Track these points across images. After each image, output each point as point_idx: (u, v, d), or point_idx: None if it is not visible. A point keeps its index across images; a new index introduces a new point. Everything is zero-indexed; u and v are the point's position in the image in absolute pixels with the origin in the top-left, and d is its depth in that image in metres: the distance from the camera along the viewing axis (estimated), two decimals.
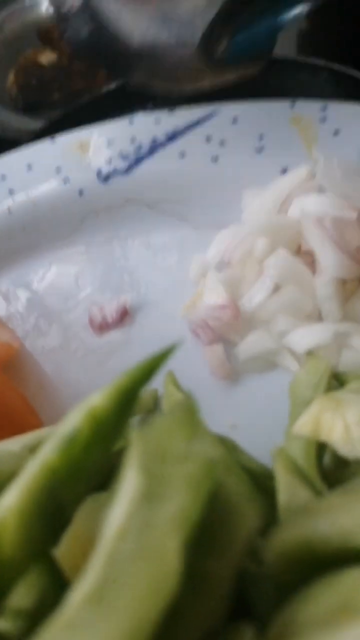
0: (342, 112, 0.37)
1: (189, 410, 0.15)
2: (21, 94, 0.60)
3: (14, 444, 0.20)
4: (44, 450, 0.15)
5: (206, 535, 0.13)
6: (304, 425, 0.18)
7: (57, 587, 0.14)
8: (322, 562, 0.12)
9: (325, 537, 0.13)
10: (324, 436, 0.17)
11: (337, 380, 0.23)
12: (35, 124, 0.56)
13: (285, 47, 0.54)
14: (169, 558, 0.11)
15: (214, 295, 0.28)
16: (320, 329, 0.26)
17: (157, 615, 0.11)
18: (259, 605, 0.13)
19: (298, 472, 0.16)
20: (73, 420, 0.15)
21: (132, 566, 0.11)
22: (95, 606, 0.11)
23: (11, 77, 0.60)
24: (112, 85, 0.51)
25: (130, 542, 0.12)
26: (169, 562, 0.11)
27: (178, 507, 0.12)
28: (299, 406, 0.21)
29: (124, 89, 0.50)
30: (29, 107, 0.60)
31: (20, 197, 0.38)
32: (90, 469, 0.15)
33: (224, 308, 0.27)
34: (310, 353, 0.25)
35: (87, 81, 0.60)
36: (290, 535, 0.13)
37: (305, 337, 0.26)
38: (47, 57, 0.59)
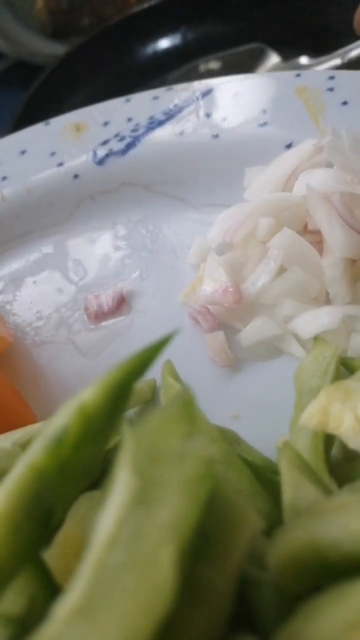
0: (351, 80, 0.34)
1: (186, 404, 0.14)
2: (51, 18, 0.57)
3: (5, 440, 0.20)
4: (31, 451, 0.14)
5: (204, 539, 0.12)
6: (311, 416, 0.17)
7: (47, 592, 0.14)
8: (332, 569, 0.11)
9: (334, 541, 0.12)
10: (333, 428, 0.16)
11: (345, 367, 0.22)
12: (62, 48, 0.54)
13: None
14: (163, 568, 0.11)
15: (214, 280, 0.26)
16: (328, 312, 0.25)
17: (150, 630, 0.10)
18: (262, 615, 0.12)
19: (304, 467, 0.15)
20: (62, 418, 0.14)
21: (122, 577, 0.10)
22: (83, 620, 0.10)
23: (41, 1, 0.57)
24: (138, 7, 0.49)
25: (121, 552, 0.11)
26: (163, 573, 0.10)
27: (173, 511, 0.11)
28: (305, 395, 0.20)
29: (153, 10, 0.48)
30: (58, 33, 0.58)
31: (14, 184, 0.37)
32: (81, 468, 0.14)
33: (225, 293, 0.26)
34: (317, 338, 0.23)
35: (118, 6, 0.57)
36: (296, 538, 0.12)
37: (311, 321, 0.25)
38: None
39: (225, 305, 0.26)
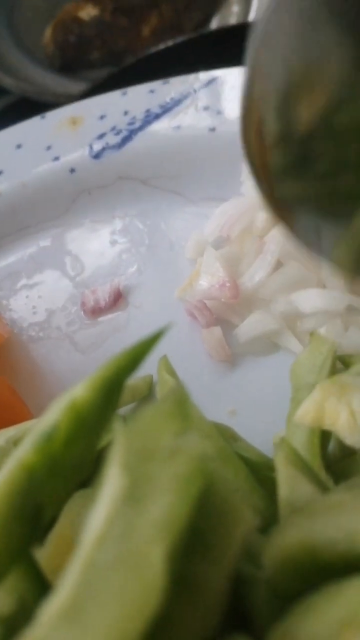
0: None
1: (179, 401, 0.14)
2: (58, 52, 0.53)
3: None
4: (20, 448, 0.13)
5: (197, 537, 0.12)
6: (307, 412, 0.17)
7: (38, 591, 0.13)
8: (327, 569, 0.11)
9: (330, 541, 0.11)
10: (328, 424, 0.16)
11: (342, 362, 0.21)
12: (75, 86, 0.51)
13: None
14: (153, 567, 0.10)
15: (211, 274, 0.26)
16: (334, 295, 0.24)
17: (140, 632, 0.10)
18: (256, 614, 0.12)
19: (301, 464, 0.15)
20: (52, 414, 0.14)
21: (111, 577, 0.10)
22: (70, 623, 0.10)
23: (48, 34, 0.54)
24: (157, 47, 0.47)
25: (111, 550, 0.11)
26: (153, 572, 0.10)
27: (164, 509, 0.11)
28: (301, 391, 0.19)
29: (169, 51, 0.46)
30: (66, 67, 0.55)
31: (10, 178, 0.37)
32: (72, 466, 0.14)
33: (222, 287, 0.25)
34: (313, 333, 0.23)
35: (129, 39, 0.54)
36: (291, 537, 0.12)
37: (315, 297, 0.24)
38: (87, 12, 0.53)
39: (223, 300, 0.26)
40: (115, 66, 0.51)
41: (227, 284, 0.26)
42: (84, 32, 0.55)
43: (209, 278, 0.26)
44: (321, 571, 0.11)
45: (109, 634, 0.09)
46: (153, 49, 0.48)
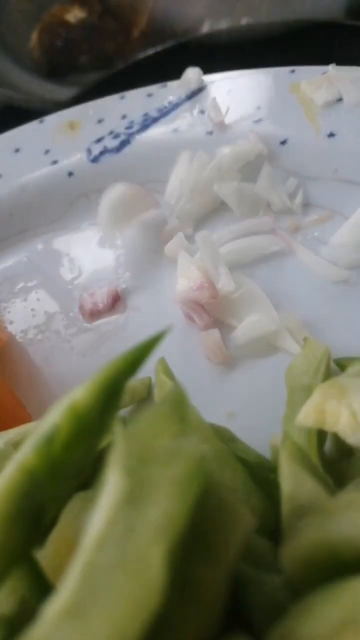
0: (346, 76, 0.34)
1: (178, 403, 0.14)
2: (45, 56, 0.51)
3: None
4: (21, 450, 0.14)
5: (197, 538, 0.12)
6: (309, 414, 0.17)
7: (39, 592, 0.13)
8: (347, 567, 0.11)
9: (347, 539, 0.11)
10: (330, 426, 0.16)
11: (337, 365, 0.22)
12: (63, 92, 0.49)
13: (331, 9, 0.47)
14: (153, 567, 0.10)
15: (188, 277, 0.26)
16: None
17: (140, 630, 0.10)
18: (256, 614, 0.12)
19: (304, 461, 0.15)
20: (52, 417, 0.14)
21: (112, 577, 0.10)
22: (72, 621, 0.10)
23: (34, 37, 0.51)
24: (148, 52, 0.45)
25: (111, 551, 0.11)
26: (153, 572, 0.10)
27: (163, 511, 0.11)
28: (296, 393, 0.19)
29: (160, 56, 0.45)
30: (53, 72, 0.51)
31: (8, 182, 0.37)
32: (72, 468, 0.14)
33: (201, 289, 0.25)
34: (306, 339, 0.23)
35: (118, 42, 0.52)
36: (308, 538, 0.12)
37: None
38: (74, 14, 0.51)
39: (204, 301, 0.26)
40: (104, 70, 0.50)
41: (205, 285, 0.26)
42: (71, 36, 0.53)
43: (186, 280, 0.26)
44: (341, 570, 0.11)
45: (110, 632, 0.09)
46: (143, 54, 0.47)
